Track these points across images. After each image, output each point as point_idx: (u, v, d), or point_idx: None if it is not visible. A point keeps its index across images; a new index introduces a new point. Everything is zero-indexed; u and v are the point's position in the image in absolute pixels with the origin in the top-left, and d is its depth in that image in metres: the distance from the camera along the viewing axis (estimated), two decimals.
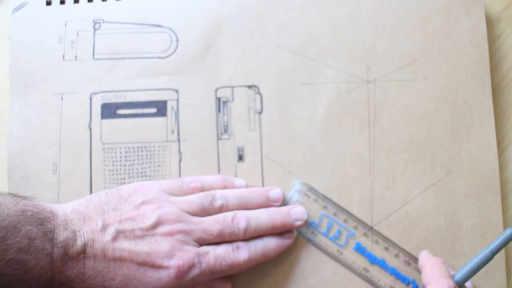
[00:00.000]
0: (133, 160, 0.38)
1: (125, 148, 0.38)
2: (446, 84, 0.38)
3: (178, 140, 0.38)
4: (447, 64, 0.38)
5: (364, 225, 0.36)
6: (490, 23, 0.39)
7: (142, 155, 0.38)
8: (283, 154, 0.38)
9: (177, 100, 0.39)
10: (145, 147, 0.38)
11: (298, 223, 0.35)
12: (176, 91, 0.39)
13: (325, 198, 0.37)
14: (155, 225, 0.32)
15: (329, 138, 0.38)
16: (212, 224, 0.33)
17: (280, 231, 0.35)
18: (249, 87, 0.39)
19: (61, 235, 0.30)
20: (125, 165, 0.38)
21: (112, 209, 0.33)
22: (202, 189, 0.36)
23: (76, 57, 0.40)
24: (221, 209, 0.34)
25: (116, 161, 0.38)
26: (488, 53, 0.37)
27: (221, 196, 0.35)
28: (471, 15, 0.38)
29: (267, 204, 0.36)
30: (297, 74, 0.38)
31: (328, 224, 0.36)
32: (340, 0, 0.39)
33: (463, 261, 0.35)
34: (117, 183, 0.38)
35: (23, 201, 0.31)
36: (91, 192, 0.38)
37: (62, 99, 0.39)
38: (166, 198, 0.34)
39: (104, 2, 0.40)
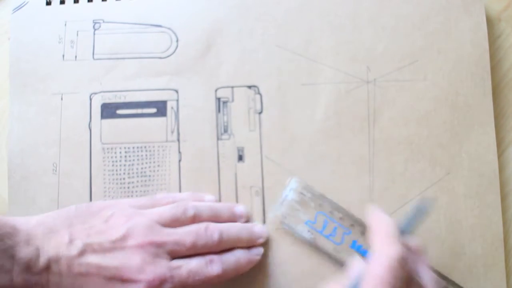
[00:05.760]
0: (133, 160, 0.38)
1: (125, 148, 0.38)
2: (446, 84, 0.37)
3: (178, 140, 0.38)
4: (447, 64, 0.38)
5: (361, 223, 0.36)
6: (490, 23, 0.39)
7: (142, 155, 0.38)
8: (283, 154, 0.38)
9: (177, 100, 0.39)
10: (145, 147, 0.38)
11: (260, 240, 0.36)
12: (176, 91, 0.39)
13: (321, 196, 0.37)
14: (124, 237, 0.31)
15: (329, 138, 0.38)
16: (185, 235, 0.32)
17: (246, 246, 0.35)
18: (249, 87, 0.39)
19: (23, 252, 0.29)
20: (125, 165, 0.38)
21: (81, 223, 0.31)
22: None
23: (76, 57, 0.40)
24: (193, 219, 0.34)
25: (116, 161, 0.38)
26: (488, 53, 0.37)
27: (193, 206, 0.34)
28: (471, 15, 0.38)
29: (233, 218, 0.36)
30: (297, 74, 0.38)
31: (324, 222, 0.36)
32: (340, 0, 0.39)
33: (463, 261, 0.36)
34: (117, 183, 0.38)
35: None
36: (90, 193, 0.38)
37: (62, 99, 0.39)
38: (137, 211, 0.33)
39: (104, 2, 0.40)
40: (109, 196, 0.38)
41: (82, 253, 0.30)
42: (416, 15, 0.38)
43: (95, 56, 0.39)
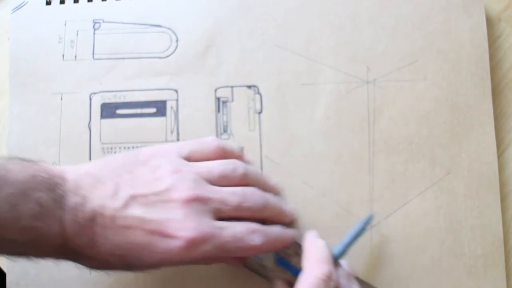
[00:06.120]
0: None
1: (124, 148, 0.38)
2: (446, 84, 0.37)
3: (178, 140, 0.38)
4: (447, 64, 0.38)
5: None
6: (490, 23, 0.39)
7: None
8: (283, 154, 0.38)
9: (177, 100, 0.39)
10: (145, 147, 0.38)
11: (292, 218, 0.36)
12: (176, 91, 0.39)
13: None
14: (169, 190, 0.30)
15: (329, 138, 0.37)
16: (231, 195, 0.31)
17: (281, 222, 0.34)
18: (249, 87, 0.38)
19: (71, 201, 0.29)
20: None
21: (127, 173, 0.31)
22: (223, 151, 0.34)
23: (75, 57, 0.40)
24: (241, 180, 0.32)
25: None
26: (488, 53, 0.37)
27: (243, 166, 0.33)
28: (471, 15, 0.38)
29: (274, 191, 0.36)
30: (297, 74, 0.38)
31: None
32: (340, 0, 0.39)
33: (463, 261, 0.36)
34: None
35: (33, 166, 0.29)
36: None
37: (61, 99, 0.39)
38: (185, 163, 0.32)
39: (104, 2, 0.40)
40: None
41: (126, 205, 0.29)
42: (416, 15, 0.38)
43: (95, 56, 0.39)
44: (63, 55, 0.40)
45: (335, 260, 0.32)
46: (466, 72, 0.37)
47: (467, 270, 0.36)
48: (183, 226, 0.29)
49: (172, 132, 0.38)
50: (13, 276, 0.38)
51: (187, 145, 0.33)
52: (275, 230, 0.32)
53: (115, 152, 0.38)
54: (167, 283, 0.37)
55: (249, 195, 0.32)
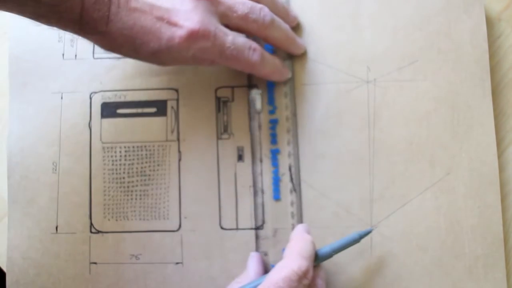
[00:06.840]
0: (133, 159, 0.38)
1: (124, 147, 0.38)
2: (446, 84, 0.37)
3: (178, 139, 0.38)
4: (447, 64, 0.38)
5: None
6: (490, 23, 0.39)
7: (141, 155, 0.38)
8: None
9: (177, 100, 0.39)
10: (145, 146, 0.38)
11: (300, 51, 0.38)
12: (176, 90, 0.39)
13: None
14: None
15: (329, 138, 0.38)
16: (241, 4, 0.33)
17: (284, 48, 0.37)
18: (249, 87, 0.38)
19: None
20: (124, 164, 0.38)
21: None
22: None
23: (76, 56, 0.40)
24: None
25: (116, 160, 0.38)
26: (488, 53, 0.37)
27: None
28: (471, 15, 0.38)
29: (287, 18, 0.37)
30: (297, 74, 0.38)
31: None
32: (340, 0, 0.39)
33: (463, 261, 0.36)
34: (117, 182, 0.38)
35: None
36: (90, 192, 0.38)
37: (62, 98, 0.39)
38: None
39: None
40: (108, 195, 0.38)
41: None
42: (416, 15, 0.38)
43: (95, 55, 0.39)
44: (63, 54, 0.40)
45: (318, 260, 0.32)
46: (466, 72, 0.37)
47: (467, 270, 0.36)
48: (189, 17, 0.31)
49: (172, 131, 0.38)
50: (13, 276, 0.38)
51: None
52: (275, 60, 0.36)
53: (115, 152, 0.38)
54: (167, 283, 0.37)
55: (257, 10, 0.34)
